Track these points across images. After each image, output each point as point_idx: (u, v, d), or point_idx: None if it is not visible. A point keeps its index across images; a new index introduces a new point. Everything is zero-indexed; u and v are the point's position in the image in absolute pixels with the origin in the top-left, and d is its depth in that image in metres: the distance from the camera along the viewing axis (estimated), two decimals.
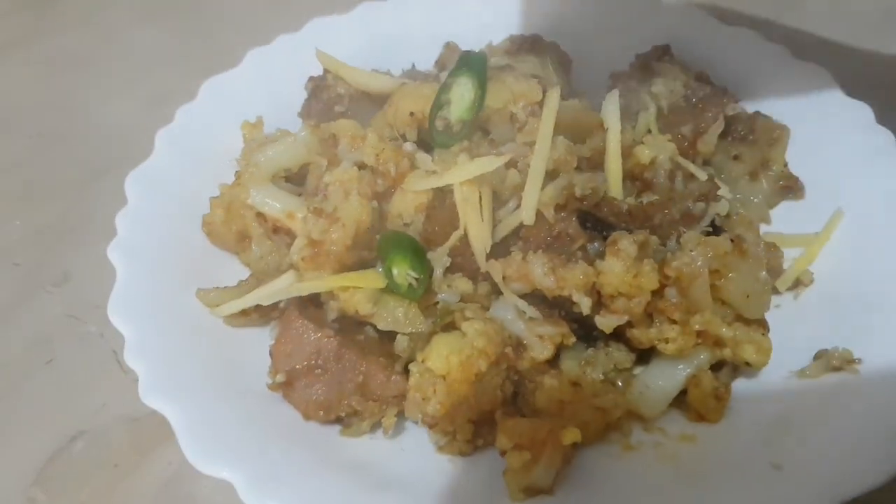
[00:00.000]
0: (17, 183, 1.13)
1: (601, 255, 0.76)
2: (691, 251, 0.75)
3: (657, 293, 0.75)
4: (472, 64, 0.87)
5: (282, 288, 0.78)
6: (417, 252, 0.80)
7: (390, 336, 0.79)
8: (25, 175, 1.15)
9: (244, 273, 0.90)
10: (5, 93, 1.30)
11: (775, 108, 1.01)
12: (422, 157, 0.85)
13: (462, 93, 0.86)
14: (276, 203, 0.82)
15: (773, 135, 0.99)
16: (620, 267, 0.74)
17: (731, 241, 0.75)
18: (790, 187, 0.97)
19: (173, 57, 1.36)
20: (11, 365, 0.90)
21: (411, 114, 0.90)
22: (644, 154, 0.83)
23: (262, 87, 1.06)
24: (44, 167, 1.16)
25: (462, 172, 0.79)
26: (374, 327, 0.79)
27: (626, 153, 0.86)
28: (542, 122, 0.84)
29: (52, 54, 1.38)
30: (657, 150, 0.88)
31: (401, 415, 0.77)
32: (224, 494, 0.77)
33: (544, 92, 0.89)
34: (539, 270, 0.76)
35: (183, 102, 1.06)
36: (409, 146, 0.87)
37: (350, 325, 0.79)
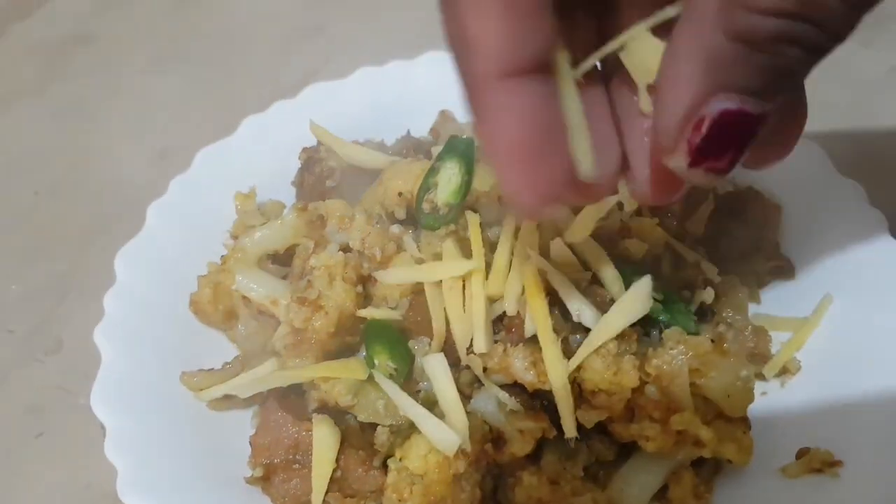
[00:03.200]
0: (15, 242, 1.15)
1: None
2: (671, 349, 0.75)
3: (637, 390, 0.75)
4: (460, 149, 0.88)
5: (262, 378, 0.78)
6: (398, 342, 0.80)
7: (372, 426, 0.79)
8: (24, 233, 1.16)
9: (232, 348, 0.91)
10: (10, 145, 1.32)
11: (766, 183, 1.00)
12: (408, 242, 0.85)
13: (449, 177, 0.87)
14: (261, 289, 0.83)
15: (766, 213, 0.98)
16: (601, 364, 0.74)
17: (712, 340, 0.75)
18: (781, 268, 0.96)
19: (183, 109, 1.37)
20: (1, 438, 0.91)
21: (400, 194, 0.90)
22: (633, 249, 0.83)
23: (257, 155, 1.07)
24: (44, 225, 1.17)
25: (444, 270, 0.79)
26: (355, 416, 0.79)
27: (614, 240, 0.86)
28: None
29: (60, 104, 1.41)
30: (644, 235, 0.88)
31: None
32: None
33: None
34: (520, 365, 0.76)
35: (188, 158, 1.08)
36: (395, 228, 0.87)
37: (330, 414, 0.79)
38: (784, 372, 0.87)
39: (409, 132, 1.11)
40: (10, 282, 1.09)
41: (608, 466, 0.80)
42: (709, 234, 0.98)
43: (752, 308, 0.94)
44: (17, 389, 0.96)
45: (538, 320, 0.75)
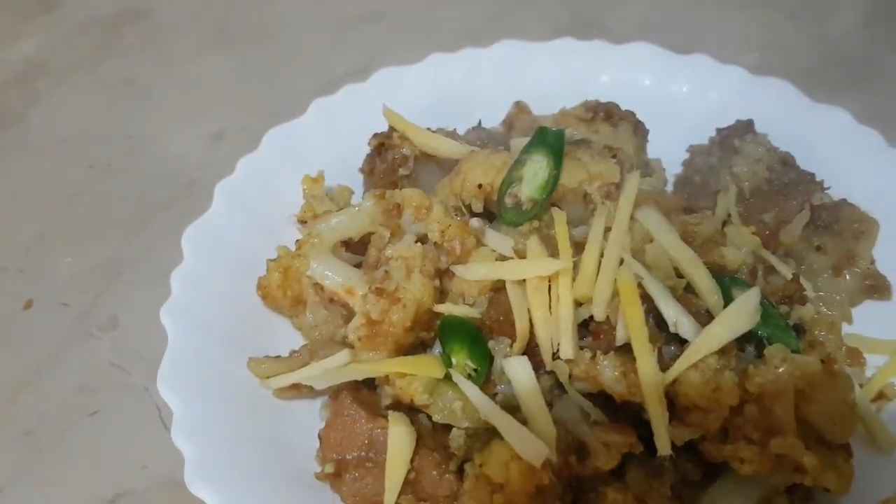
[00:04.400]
0: (72, 217, 1.13)
1: (675, 359, 0.72)
2: (777, 368, 0.70)
3: (735, 409, 0.70)
4: (548, 141, 0.83)
5: (335, 368, 0.74)
6: (477, 341, 0.76)
7: (446, 427, 0.75)
8: (80, 209, 1.14)
9: (297, 336, 0.88)
10: (65, 118, 1.30)
11: (863, 197, 0.94)
12: (493, 236, 0.80)
13: (535, 171, 0.82)
14: (336, 277, 0.79)
15: (860, 227, 0.93)
16: (699, 378, 0.69)
17: (822, 361, 0.70)
18: (876, 286, 0.91)
19: (238, 90, 1.35)
20: (55, 415, 0.89)
21: (479, 186, 0.86)
22: (731, 257, 0.78)
23: (326, 138, 1.04)
24: (99, 201, 1.15)
25: (530, 268, 0.75)
26: (429, 416, 0.75)
27: (709, 246, 0.82)
28: (619, 209, 0.80)
29: (114, 80, 1.38)
30: (740, 243, 0.83)
31: None
32: None
33: (621, 172, 0.85)
34: (609, 374, 0.71)
35: (244, 140, 1.05)
36: (475, 222, 0.83)
37: (404, 413, 0.75)
38: (880, 397, 0.82)
39: (480, 122, 1.07)
40: (65, 254, 1.06)
41: (694, 487, 0.75)
42: (799, 246, 0.93)
43: (844, 328, 0.88)
44: (71, 365, 0.94)
45: (633, 329, 0.71)
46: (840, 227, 0.93)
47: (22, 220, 1.11)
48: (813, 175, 0.95)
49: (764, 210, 0.92)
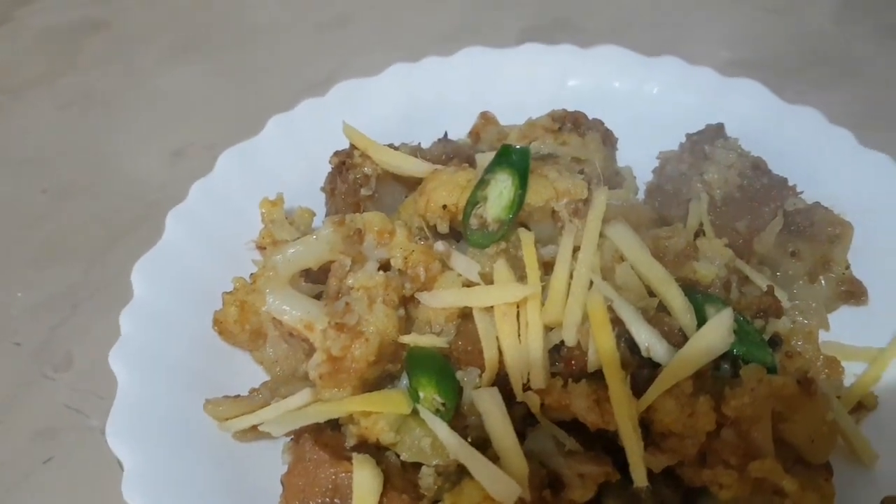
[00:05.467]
0: (22, 246, 1.08)
1: (650, 382, 0.69)
2: (753, 390, 0.67)
3: (712, 433, 0.68)
4: (513, 160, 0.80)
5: (296, 410, 0.71)
6: (445, 374, 0.73)
7: (415, 465, 0.72)
8: (32, 237, 1.09)
9: (258, 371, 0.84)
10: (20, 138, 1.25)
11: (837, 200, 0.92)
12: (460, 261, 0.77)
13: (500, 190, 0.79)
14: (294, 311, 0.75)
15: (834, 231, 0.90)
16: (674, 405, 0.67)
17: (799, 382, 0.68)
18: (852, 292, 0.89)
19: (200, 103, 1.30)
20: (9, 464, 0.84)
21: (444, 206, 0.82)
22: (703, 272, 0.76)
23: (285, 156, 1.00)
24: (53, 228, 1.10)
25: (497, 295, 0.72)
26: (397, 454, 0.72)
27: (681, 260, 0.79)
28: (587, 227, 0.77)
29: (72, 95, 1.33)
30: (713, 256, 0.81)
31: None
32: None
33: (590, 187, 0.82)
34: (582, 403, 0.68)
35: (208, 157, 1.00)
36: (440, 246, 0.80)
37: (370, 452, 0.72)
38: (860, 408, 0.80)
39: (446, 134, 1.03)
40: (16, 288, 1.02)
41: None
42: (773, 253, 0.91)
43: (821, 335, 0.87)
44: (24, 409, 0.89)
45: (605, 355, 0.68)
46: (814, 231, 0.91)
47: None
48: (785, 180, 0.93)
49: (737, 218, 0.90)
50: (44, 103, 1.32)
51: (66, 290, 1.01)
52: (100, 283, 1.01)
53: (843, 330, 0.87)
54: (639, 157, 1.02)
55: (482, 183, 0.80)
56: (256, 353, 0.83)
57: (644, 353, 0.69)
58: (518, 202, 0.79)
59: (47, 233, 1.09)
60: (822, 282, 0.89)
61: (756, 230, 0.89)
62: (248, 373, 0.83)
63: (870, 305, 0.88)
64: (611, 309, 0.71)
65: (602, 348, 0.68)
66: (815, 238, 0.91)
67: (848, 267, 0.90)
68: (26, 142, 1.25)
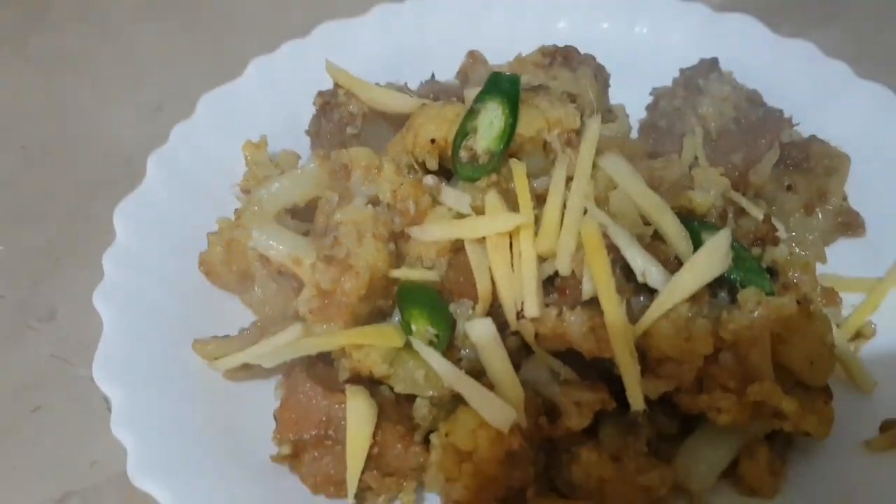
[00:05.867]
0: (3, 203, 1.05)
1: (645, 310, 0.68)
2: (751, 312, 0.66)
3: (710, 357, 0.67)
4: (503, 87, 0.78)
5: (287, 345, 0.69)
6: (437, 305, 0.71)
7: (409, 397, 0.71)
8: (11, 194, 1.06)
9: (246, 313, 0.82)
10: None
11: (833, 132, 0.91)
12: (450, 194, 0.75)
13: (490, 120, 0.77)
14: (281, 246, 0.73)
15: (830, 163, 0.89)
16: (671, 328, 0.66)
17: (798, 302, 0.66)
18: (849, 224, 0.88)
19: (177, 57, 1.26)
20: None
21: (432, 141, 0.80)
22: (699, 201, 0.74)
23: (267, 100, 0.97)
24: (32, 185, 1.07)
25: (489, 225, 0.70)
26: (391, 387, 0.71)
27: (676, 190, 0.77)
28: (581, 156, 0.75)
29: (43, 53, 1.29)
30: (709, 185, 0.79)
31: (419, 487, 0.69)
32: None
33: (582, 117, 0.80)
34: (577, 330, 0.67)
35: (186, 110, 0.97)
36: (430, 180, 0.78)
37: (363, 385, 0.71)
38: (858, 336, 0.80)
39: (433, 76, 1.01)
40: None
41: (671, 441, 0.73)
42: (769, 186, 0.89)
43: (819, 268, 0.85)
44: (10, 360, 0.87)
45: (600, 280, 0.66)
46: (810, 164, 0.90)
47: None
48: (781, 112, 0.91)
49: (732, 151, 0.88)
50: (15, 62, 1.27)
51: (47, 245, 0.99)
52: (81, 237, 0.99)
53: (840, 262, 0.87)
54: (631, 96, 1.00)
55: (471, 113, 0.78)
56: (245, 296, 0.82)
57: (640, 279, 0.68)
58: (509, 132, 0.77)
59: (24, 190, 1.06)
60: (819, 214, 0.88)
61: (752, 162, 0.87)
62: (234, 319, 0.81)
63: (867, 237, 0.87)
64: (605, 236, 0.70)
65: (597, 274, 0.67)
66: (811, 171, 0.89)
67: (845, 199, 0.89)
68: (1, 99, 1.21)
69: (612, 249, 0.70)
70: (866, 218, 0.87)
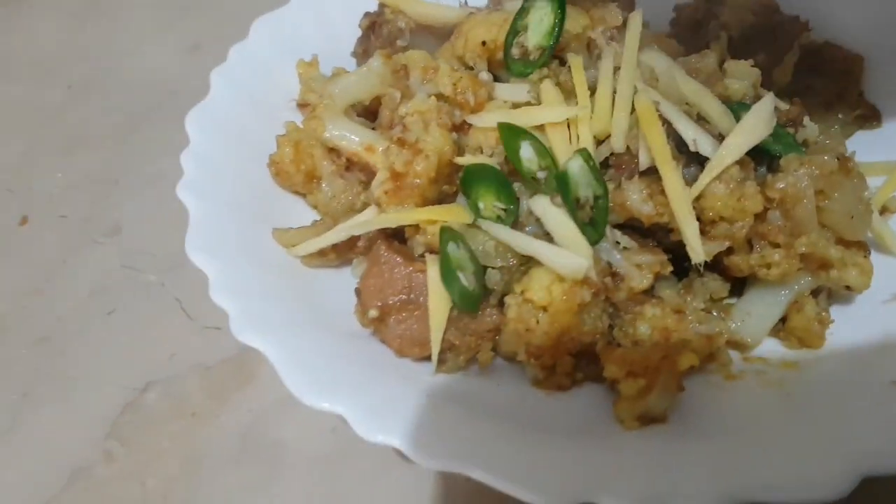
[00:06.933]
0: (55, 135, 1.08)
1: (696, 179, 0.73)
2: (796, 171, 0.72)
3: (759, 217, 0.73)
4: None
5: (368, 220, 0.74)
6: (503, 183, 0.76)
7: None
8: (62, 126, 1.09)
9: (310, 215, 0.87)
10: (33, 43, 1.24)
11: (847, 30, 0.97)
12: (505, 88, 0.80)
13: (541, 17, 0.82)
14: (354, 136, 0.78)
15: (847, 64, 0.96)
16: (723, 189, 0.71)
17: (837, 159, 0.73)
18: (867, 116, 0.94)
19: (206, 2, 1.30)
20: (71, 317, 0.86)
21: (483, 43, 0.85)
22: (735, 87, 0.80)
23: (313, 25, 1.01)
24: (80, 118, 1.11)
25: (549, 113, 0.75)
26: None
27: (712, 81, 0.83)
28: (626, 46, 0.81)
29: (76, 4, 1.32)
30: (741, 76, 0.85)
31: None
32: (310, 438, 0.75)
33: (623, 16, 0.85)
34: (637, 197, 0.72)
35: (221, 50, 1.01)
36: (484, 75, 0.83)
37: None
38: (884, 210, 0.86)
39: (466, 1, 1.06)
40: (53, 170, 1.02)
41: (721, 304, 0.78)
42: (791, 89, 0.96)
43: None
44: (80, 271, 0.91)
45: (656, 148, 0.72)
46: (826, 67, 0.96)
47: (3, 142, 1.06)
48: (797, 16, 0.98)
49: (755, 52, 0.94)
50: (51, 12, 1.30)
51: (103, 167, 1.02)
52: (136, 159, 1.02)
53: (860, 151, 0.92)
54: (655, 15, 1.05)
55: (522, 12, 0.83)
56: (311, 196, 0.86)
57: (692, 148, 0.73)
58: (559, 27, 0.82)
59: (74, 122, 1.10)
60: (838, 111, 0.95)
61: (776, 62, 0.93)
62: (301, 217, 0.85)
63: (883, 127, 0.94)
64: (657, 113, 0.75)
65: (653, 142, 0.72)
66: (827, 73, 0.96)
67: (862, 94, 0.95)
68: (39, 47, 1.24)
69: (664, 123, 0.75)
70: (881, 109, 0.94)
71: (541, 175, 0.73)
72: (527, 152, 0.73)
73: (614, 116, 0.76)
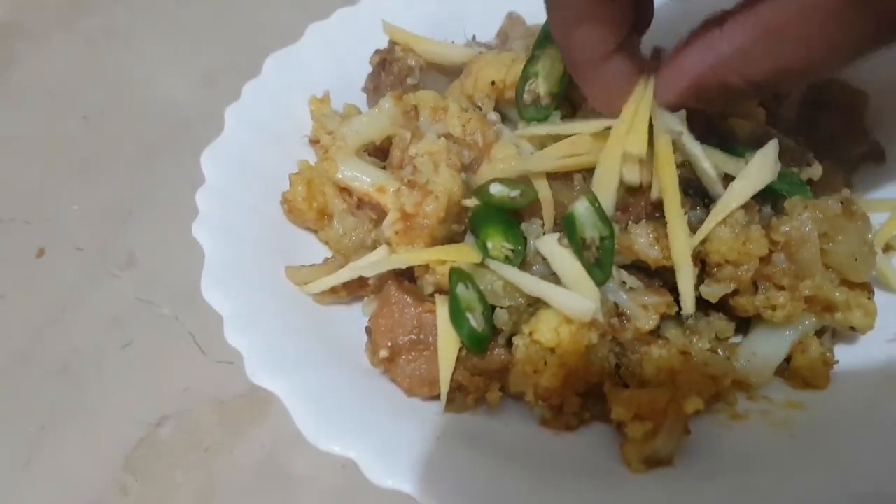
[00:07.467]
0: (70, 165, 1.10)
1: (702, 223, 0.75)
2: (799, 215, 0.73)
3: (763, 260, 0.74)
4: None
5: (378, 260, 0.75)
6: (511, 224, 0.78)
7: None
8: (78, 157, 1.11)
9: (322, 251, 0.88)
10: (49, 74, 1.26)
11: (851, 69, 0.98)
12: (506, 132, 0.82)
13: (551, 64, 0.84)
14: (366, 177, 0.80)
15: (852, 100, 0.97)
16: (729, 234, 0.72)
17: (841, 202, 0.74)
18: (871, 153, 0.95)
19: (219, 33, 1.32)
20: (87, 350, 0.88)
21: (493, 83, 0.87)
22: (740, 127, 0.81)
23: (325, 61, 1.03)
24: (96, 148, 1.13)
25: (559, 162, 0.76)
26: None
27: (719, 122, 0.84)
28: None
29: (93, 35, 1.34)
30: (748, 116, 0.86)
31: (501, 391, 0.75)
32: (322, 473, 0.76)
33: None
34: (644, 241, 0.74)
35: (235, 80, 1.03)
36: (493, 116, 0.85)
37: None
38: (888, 249, 0.87)
39: (474, 37, 1.08)
40: (69, 201, 1.04)
41: (727, 344, 0.79)
42: (795, 124, 0.97)
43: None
44: (96, 303, 0.93)
45: (667, 192, 0.73)
46: (831, 104, 0.97)
47: (20, 172, 1.08)
48: None
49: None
50: (66, 44, 1.33)
51: (117, 200, 1.04)
52: (150, 191, 1.04)
53: (864, 188, 0.94)
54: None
55: (533, 59, 0.85)
56: (322, 233, 0.87)
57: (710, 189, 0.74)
58: (568, 76, 0.83)
59: (89, 152, 1.12)
60: (843, 146, 0.96)
61: (781, 98, 0.95)
62: (313, 253, 0.87)
63: (887, 164, 0.95)
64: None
65: (666, 186, 0.73)
66: (833, 110, 0.97)
67: (866, 131, 0.96)
68: (55, 77, 1.26)
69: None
70: (886, 146, 0.95)
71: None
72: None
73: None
